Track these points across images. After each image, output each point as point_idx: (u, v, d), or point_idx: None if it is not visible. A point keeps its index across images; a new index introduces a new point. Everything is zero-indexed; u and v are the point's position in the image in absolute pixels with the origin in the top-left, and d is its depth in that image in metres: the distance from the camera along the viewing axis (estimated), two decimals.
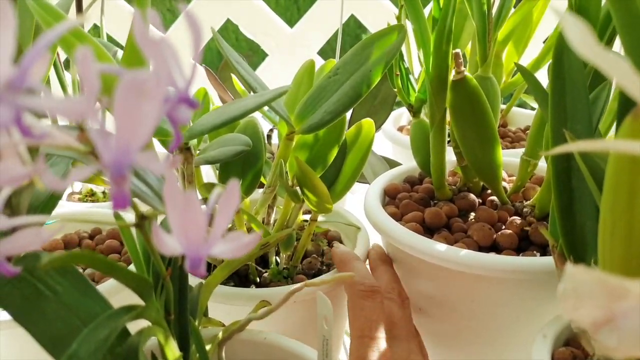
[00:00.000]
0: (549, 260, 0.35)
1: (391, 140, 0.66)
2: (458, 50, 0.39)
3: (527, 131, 0.68)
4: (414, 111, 0.47)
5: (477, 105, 0.41)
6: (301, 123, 0.38)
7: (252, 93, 0.37)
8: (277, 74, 0.78)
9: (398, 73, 0.45)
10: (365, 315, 0.33)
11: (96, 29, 0.74)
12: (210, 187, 0.36)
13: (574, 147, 0.16)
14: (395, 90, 0.46)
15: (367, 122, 0.44)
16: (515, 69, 0.68)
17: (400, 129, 0.70)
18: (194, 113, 0.47)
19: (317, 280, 0.26)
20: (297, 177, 0.40)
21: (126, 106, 0.11)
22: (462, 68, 0.40)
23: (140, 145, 0.11)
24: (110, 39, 0.74)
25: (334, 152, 0.42)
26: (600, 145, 0.15)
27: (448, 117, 0.43)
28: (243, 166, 0.40)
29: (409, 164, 0.53)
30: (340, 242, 0.49)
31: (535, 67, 0.62)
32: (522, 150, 0.58)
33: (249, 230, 0.44)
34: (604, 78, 0.30)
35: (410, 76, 0.47)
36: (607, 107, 0.30)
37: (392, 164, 0.59)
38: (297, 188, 0.42)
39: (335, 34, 0.78)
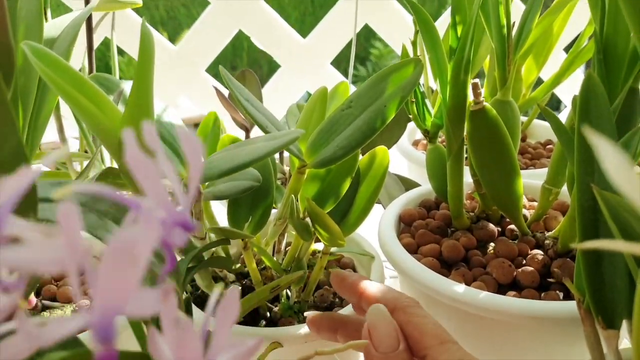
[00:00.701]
0: (573, 305, 0.33)
1: (406, 157, 0.64)
2: (477, 80, 0.37)
3: (547, 146, 0.66)
4: (430, 137, 0.45)
5: (497, 136, 0.39)
6: (313, 157, 0.37)
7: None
8: (290, 85, 0.77)
9: (413, 100, 0.43)
10: (432, 322, 0.27)
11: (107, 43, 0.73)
12: (219, 231, 0.35)
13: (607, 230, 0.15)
14: (411, 116, 0.45)
15: (381, 150, 0.43)
16: (535, 81, 0.66)
17: (416, 144, 0.68)
18: (205, 141, 0.46)
19: (329, 349, 0.25)
20: (308, 212, 0.39)
21: (115, 267, 0.10)
22: (481, 98, 0.38)
23: (128, 301, 0.10)
24: (120, 50, 0.73)
25: (347, 184, 0.40)
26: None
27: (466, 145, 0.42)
28: (253, 200, 0.39)
29: (424, 187, 0.52)
30: (354, 270, 0.48)
31: (555, 82, 0.60)
32: (542, 171, 0.56)
33: (259, 263, 0.43)
34: (634, 122, 0.29)
35: (427, 100, 0.45)
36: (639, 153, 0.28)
37: (407, 183, 0.58)
38: (308, 219, 0.40)
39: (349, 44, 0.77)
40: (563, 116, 0.86)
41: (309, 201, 0.36)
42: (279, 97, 0.77)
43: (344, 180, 0.40)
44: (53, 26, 0.45)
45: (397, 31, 0.76)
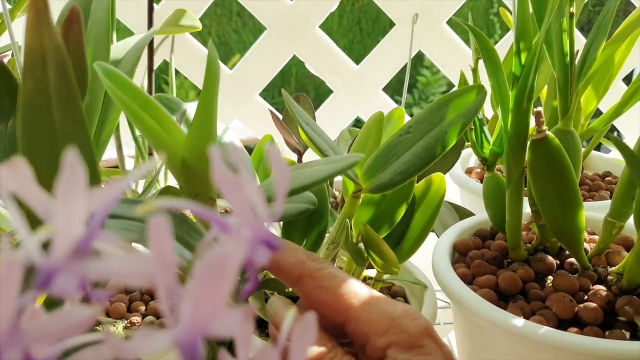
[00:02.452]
0: None
1: (459, 185, 0.63)
2: (540, 108, 0.36)
3: (606, 178, 0.64)
4: (489, 165, 0.44)
5: (559, 166, 0.38)
6: (369, 182, 0.37)
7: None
8: (341, 110, 0.77)
9: (472, 127, 0.43)
10: (343, 280, 0.24)
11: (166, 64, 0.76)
12: None
13: None
14: (469, 143, 0.44)
15: (438, 177, 0.42)
16: (594, 112, 0.64)
17: (469, 171, 0.67)
18: (260, 163, 0.47)
19: None
20: (362, 237, 0.38)
21: (206, 285, 0.09)
22: (544, 127, 0.37)
23: (216, 319, 0.10)
24: (177, 73, 0.76)
25: (402, 210, 0.40)
26: None
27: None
28: (307, 223, 0.39)
29: (479, 215, 0.51)
30: (405, 299, 0.47)
31: (616, 113, 0.58)
32: (602, 203, 0.54)
33: None
34: None
35: (485, 127, 0.45)
36: None
37: (461, 212, 0.57)
38: (362, 245, 0.40)
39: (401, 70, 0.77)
40: None
41: (365, 226, 0.36)
42: (330, 123, 0.77)
43: (400, 206, 0.40)
44: (117, 48, 0.46)
45: (451, 58, 0.75)
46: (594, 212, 0.49)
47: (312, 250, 0.38)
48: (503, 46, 0.75)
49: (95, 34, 0.42)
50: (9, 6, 0.53)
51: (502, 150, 0.44)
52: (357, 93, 0.76)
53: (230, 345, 0.22)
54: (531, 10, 0.41)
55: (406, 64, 0.76)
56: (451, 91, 0.34)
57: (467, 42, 0.75)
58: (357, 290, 0.23)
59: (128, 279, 0.10)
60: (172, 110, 0.34)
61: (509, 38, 0.75)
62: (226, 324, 0.10)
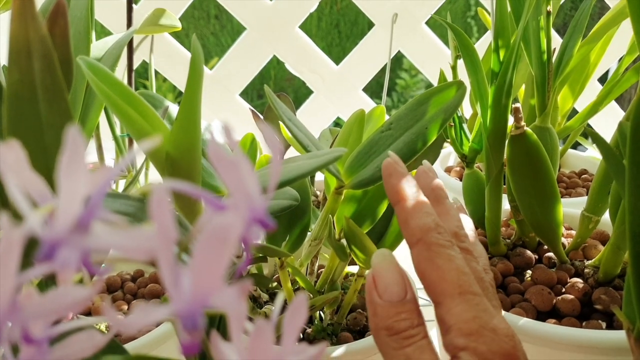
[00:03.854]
0: (619, 335, 0.32)
1: None
2: (518, 104, 0.37)
3: (582, 175, 0.65)
4: (468, 161, 0.45)
5: (537, 161, 0.39)
6: (350, 177, 0.37)
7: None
8: (321, 110, 0.78)
9: (452, 124, 0.43)
10: (456, 268, 0.23)
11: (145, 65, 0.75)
12: (259, 249, 0.35)
13: None
14: (449, 141, 0.45)
15: None
16: (571, 111, 0.65)
17: (448, 170, 0.68)
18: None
19: None
20: (345, 233, 0.39)
21: (208, 255, 0.10)
22: (522, 123, 0.38)
23: (216, 291, 0.10)
24: (156, 75, 0.75)
25: (384, 206, 0.40)
26: None
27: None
28: (290, 219, 0.39)
29: None
30: None
31: (592, 112, 0.59)
32: (579, 199, 0.55)
33: (292, 283, 0.43)
34: None
35: (464, 125, 0.45)
36: None
37: None
38: (344, 240, 0.40)
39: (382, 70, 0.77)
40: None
41: (347, 220, 0.36)
42: (311, 123, 0.77)
43: (381, 202, 0.40)
44: (96, 48, 0.46)
45: (430, 59, 0.76)
46: (571, 207, 0.50)
47: (295, 246, 0.38)
48: (481, 46, 0.76)
49: (75, 32, 0.41)
50: None
51: (481, 147, 0.44)
52: (338, 93, 0.76)
53: (219, 325, 0.23)
54: (509, 9, 0.41)
55: (386, 64, 0.76)
56: (430, 88, 0.35)
57: (446, 43, 0.76)
58: (463, 284, 0.22)
59: (129, 252, 0.10)
60: (155, 107, 0.34)
61: (487, 38, 0.76)
62: (224, 297, 0.10)
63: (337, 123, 0.91)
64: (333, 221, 0.39)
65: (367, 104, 0.79)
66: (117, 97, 0.24)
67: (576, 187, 0.60)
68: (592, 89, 0.72)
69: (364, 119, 0.42)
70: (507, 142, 0.39)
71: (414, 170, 0.43)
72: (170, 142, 0.26)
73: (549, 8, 0.42)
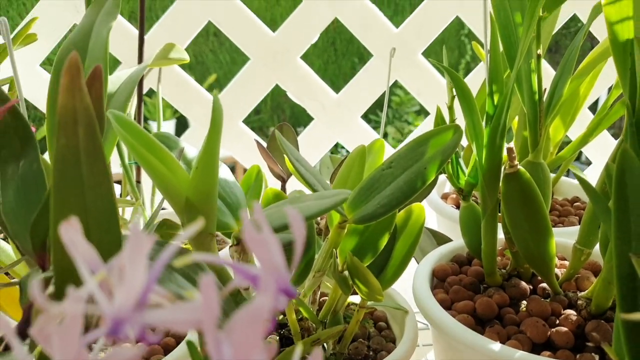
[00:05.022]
0: None
1: (436, 210, 0.65)
2: (512, 144, 0.39)
3: (575, 203, 0.67)
4: (464, 195, 0.47)
5: (530, 198, 0.41)
6: (353, 213, 0.39)
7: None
8: (322, 136, 0.80)
9: (449, 160, 0.45)
10: None
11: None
12: None
13: None
14: (446, 175, 0.47)
15: (418, 207, 0.44)
16: (562, 140, 0.67)
17: (445, 197, 0.70)
18: (247, 192, 0.49)
19: None
20: (348, 266, 0.40)
21: (245, 331, 0.11)
22: (516, 162, 0.40)
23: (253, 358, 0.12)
24: (165, 102, 0.77)
25: (385, 239, 0.42)
26: None
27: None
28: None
29: (456, 241, 0.53)
30: (387, 323, 0.49)
31: (582, 142, 0.61)
32: (571, 229, 0.58)
33: (296, 313, 0.45)
34: None
35: (461, 160, 0.47)
36: None
37: (438, 237, 0.59)
38: (347, 272, 0.42)
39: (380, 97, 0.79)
40: (589, 173, 0.87)
41: (350, 256, 0.38)
42: (312, 147, 0.79)
43: (382, 235, 0.42)
44: (110, 82, 0.48)
45: (426, 87, 0.79)
46: (563, 237, 0.52)
47: (301, 278, 0.40)
48: (478, 75, 0.79)
49: None
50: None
51: (477, 181, 0.47)
52: (337, 120, 0.78)
53: None
54: (501, 48, 0.44)
55: (384, 92, 0.79)
56: (429, 130, 0.37)
57: (441, 71, 0.79)
58: None
59: (179, 325, 0.12)
60: (170, 148, 0.36)
61: (481, 68, 0.79)
62: None
63: (337, 147, 0.93)
64: (336, 254, 0.41)
65: (365, 130, 0.81)
66: (142, 147, 0.26)
67: (569, 216, 0.63)
68: (583, 118, 0.74)
69: (365, 155, 0.44)
70: (501, 178, 0.41)
71: (417, 204, 0.45)
72: (189, 188, 0.28)
73: (539, 51, 0.44)
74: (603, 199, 0.31)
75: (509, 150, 0.39)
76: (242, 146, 0.77)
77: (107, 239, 0.22)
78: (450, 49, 4.25)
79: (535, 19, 0.38)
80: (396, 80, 0.78)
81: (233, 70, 4.18)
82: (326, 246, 0.41)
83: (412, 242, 0.44)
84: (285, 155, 0.35)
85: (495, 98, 0.38)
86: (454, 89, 0.46)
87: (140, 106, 0.55)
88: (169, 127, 3.55)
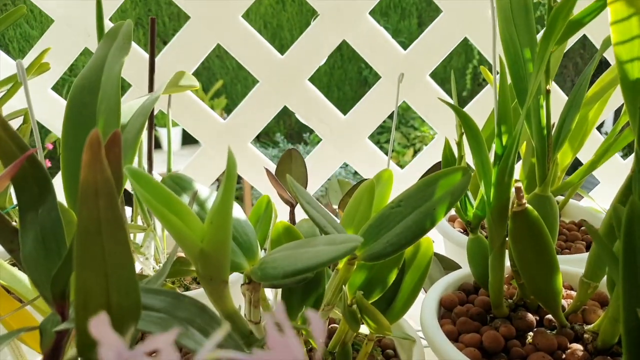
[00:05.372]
0: None
1: (443, 234, 0.66)
2: (519, 184, 0.39)
3: (582, 228, 0.68)
4: (472, 227, 0.48)
5: (537, 236, 0.41)
6: (362, 250, 0.39)
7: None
8: (330, 156, 0.80)
9: None
10: None
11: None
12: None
13: None
14: (453, 209, 0.47)
15: (426, 240, 0.45)
16: (570, 164, 0.68)
17: (452, 220, 0.70)
18: (257, 223, 0.49)
19: None
20: (357, 301, 0.41)
21: None
22: (524, 201, 0.40)
23: None
24: (175, 123, 0.78)
25: (394, 274, 0.42)
26: None
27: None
28: (305, 289, 0.41)
29: (463, 270, 0.54)
30: (394, 351, 0.49)
31: (591, 168, 0.62)
32: (578, 257, 0.58)
33: (306, 342, 0.45)
34: None
35: (469, 193, 0.48)
36: None
37: (445, 262, 0.60)
38: (355, 307, 0.43)
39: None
40: (596, 193, 0.87)
41: (358, 295, 0.38)
42: (320, 167, 0.80)
43: (391, 270, 0.43)
44: (122, 113, 0.49)
45: (434, 109, 0.79)
46: (570, 265, 0.53)
47: None
48: (486, 95, 0.79)
49: (106, 107, 0.44)
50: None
51: (484, 214, 0.47)
52: (345, 141, 0.79)
53: None
54: (509, 80, 0.44)
55: (391, 113, 0.79)
56: (439, 172, 0.38)
57: (448, 91, 0.79)
58: None
59: None
60: (184, 188, 0.37)
61: (488, 91, 0.79)
62: None
63: (345, 165, 0.94)
64: (345, 289, 0.42)
65: (373, 150, 0.82)
66: (157, 202, 0.27)
67: (575, 241, 0.63)
68: (592, 140, 0.74)
69: (374, 190, 0.45)
70: (509, 215, 0.41)
71: (425, 237, 0.45)
72: (204, 241, 0.28)
73: (549, 87, 0.45)
74: (608, 246, 0.32)
75: (517, 189, 0.39)
76: (250, 166, 0.78)
77: (127, 303, 0.23)
78: (457, 54, 4.24)
79: (546, 59, 0.39)
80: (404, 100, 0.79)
81: (239, 76, 4.20)
82: (335, 281, 0.41)
83: (421, 275, 0.44)
84: (296, 199, 0.36)
85: (504, 139, 0.38)
86: (462, 125, 0.46)
87: (151, 134, 0.55)
88: (175, 134, 3.57)
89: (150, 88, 0.57)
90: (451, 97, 0.77)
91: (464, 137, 0.45)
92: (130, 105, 0.52)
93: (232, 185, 0.27)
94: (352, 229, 0.43)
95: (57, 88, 0.76)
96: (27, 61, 0.61)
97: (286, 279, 0.32)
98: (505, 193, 0.40)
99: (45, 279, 0.30)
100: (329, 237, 0.34)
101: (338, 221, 0.40)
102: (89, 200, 0.20)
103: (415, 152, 3.41)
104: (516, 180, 0.40)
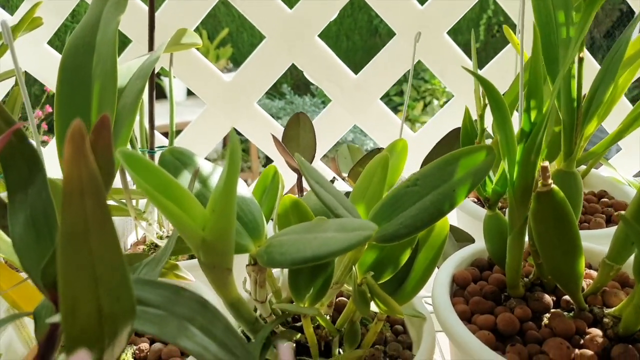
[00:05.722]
0: None
1: None
2: (546, 163, 0.37)
3: (602, 199, 0.65)
4: (490, 204, 0.45)
5: (562, 217, 0.39)
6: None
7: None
8: (340, 118, 0.77)
9: None
10: None
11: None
12: (284, 312, 0.35)
13: None
14: None
15: (441, 220, 0.42)
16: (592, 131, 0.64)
17: None
18: (263, 194, 0.47)
19: None
20: (366, 282, 0.39)
21: None
22: (549, 181, 0.37)
23: None
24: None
25: (406, 255, 0.40)
26: None
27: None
28: (313, 270, 0.39)
29: (476, 245, 0.52)
30: (404, 327, 0.48)
31: (617, 138, 0.58)
32: (598, 233, 0.55)
33: (312, 320, 0.44)
34: None
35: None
36: None
37: (458, 234, 0.58)
38: (365, 287, 0.41)
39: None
40: (616, 161, 0.84)
41: (369, 278, 0.36)
42: (329, 130, 0.77)
43: (404, 250, 0.40)
44: (120, 74, 0.46)
45: (450, 68, 0.75)
46: (589, 241, 0.50)
47: (318, 297, 0.39)
48: (507, 57, 0.75)
49: (102, 70, 0.41)
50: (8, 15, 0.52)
51: (504, 190, 0.44)
52: (356, 102, 0.76)
53: None
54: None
55: (406, 72, 0.75)
56: (461, 149, 0.35)
57: (461, 44, 0.75)
58: None
59: None
60: (185, 164, 0.34)
61: (509, 52, 0.75)
62: None
63: (355, 128, 0.90)
64: (355, 269, 0.40)
65: (385, 112, 0.78)
66: (154, 189, 0.25)
67: (595, 214, 0.60)
68: (619, 109, 0.71)
69: (388, 164, 0.42)
70: (532, 197, 0.39)
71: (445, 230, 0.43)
72: (207, 230, 0.26)
73: (582, 54, 0.41)
74: (636, 226, 0.29)
75: (543, 168, 0.36)
76: (256, 126, 0.75)
77: (120, 308, 0.21)
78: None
79: (589, 24, 0.35)
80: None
81: (245, 24, 4.08)
82: (345, 261, 0.39)
83: (434, 255, 0.42)
84: (304, 177, 0.33)
85: (533, 115, 0.35)
86: (485, 97, 0.43)
87: (152, 97, 0.52)
88: (179, 82, 3.50)
89: (150, 46, 0.54)
90: (469, 56, 0.73)
91: (487, 108, 0.42)
92: (128, 66, 0.48)
93: (235, 169, 0.25)
94: (363, 205, 0.41)
95: (60, 35, 0.72)
96: (19, 16, 0.57)
97: (293, 266, 0.30)
98: (531, 173, 0.37)
99: (36, 265, 0.27)
100: (341, 222, 0.32)
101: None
102: (73, 200, 0.18)
103: (425, 106, 3.35)
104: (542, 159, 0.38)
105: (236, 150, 0.24)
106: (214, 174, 0.35)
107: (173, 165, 0.34)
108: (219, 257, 0.27)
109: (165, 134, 0.66)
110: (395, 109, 3.14)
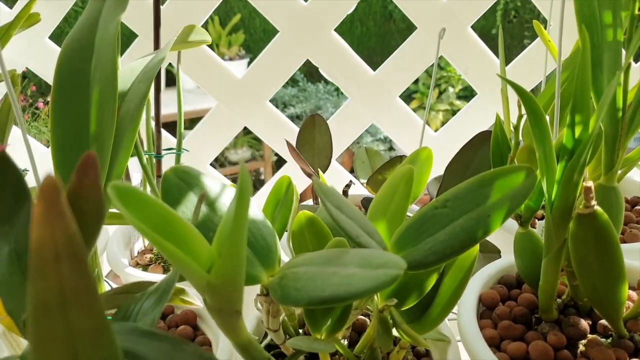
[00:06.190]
0: None
1: None
2: (590, 183, 0.33)
3: (636, 207, 0.61)
4: (523, 221, 0.42)
5: (604, 241, 0.35)
6: (399, 254, 0.34)
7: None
8: (357, 117, 0.73)
9: None
10: None
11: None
12: (299, 347, 0.32)
13: None
14: None
15: None
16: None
17: None
18: (276, 206, 0.44)
19: None
20: (390, 313, 0.36)
21: None
22: (593, 202, 0.34)
23: None
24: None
25: (433, 279, 0.37)
26: None
27: None
28: None
29: (504, 260, 0.48)
30: (427, 350, 0.45)
31: None
32: (636, 246, 0.52)
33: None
34: None
35: None
36: None
37: (482, 245, 0.54)
38: (387, 313, 0.37)
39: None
40: None
41: (391, 310, 0.33)
42: (345, 129, 0.73)
43: (430, 275, 0.37)
44: (122, 77, 0.43)
45: (474, 65, 0.71)
46: (625, 256, 0.47)
47: (337, 327, 0.36)
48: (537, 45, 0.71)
49: (101, 75, 0.38)
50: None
51: (538, 206, 0.41)
52: (373, 99, 0.72)
53: None
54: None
55: (427, 69, 0.71)
56: (496, 169, 0.31)
57: (492, 49, 0.71)
58: None
59: None
60: (191, 186, 0.31)
61: (537, 46, 0.71)
62: None
63: (371, 127, 0.87)
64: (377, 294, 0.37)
65: (404, 111, 0.75)
66: (151, 230, 0.21)
67: (630, 224, 0.56)
68: None
69: (412, 179, 0.38)
70: (573, 219, 0.35)
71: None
72: (212, 272, 0.23)
73: (630, 60, 0.37)
74: None
75: (587, 190, 0.33)
76: (268, 125, 0.72)
77: None
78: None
79: None
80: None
81: (257, 10, 4.01)
82: None
83: (462, 278, 0.38)
84: (323, 205, 0.30)
85: (577, 131, 0.32)
86: (521, 106, 0.39)
87: (158, 101, 0.49)
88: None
89: (156, 44, 0.50)
90: (488, 46, 0.69)
91: (522, 120, 0.38)
92: (131, 67, 0.45)
93: (245, 207, 0.22)
94: (385, 224, 0.38)
95: (71, 22, 0.69)
96: (18, 9, 0.54)
97: (310, 306, 0.26)
98: (572, 193, 0.34)
99: (19, 307, 0.25)
100: (364, 256, 0.29)
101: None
102: (45, 267, 0.15)
103: (440, 93, 3.29)
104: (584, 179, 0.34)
105: (247, 185, 0.21)
106: (223, 195, 0.31)
107: (177, 187, 0.30)
108: (227, 301, 0.24)
109: (175, 124, 0.62)
110: (409, 97, 3.08)
